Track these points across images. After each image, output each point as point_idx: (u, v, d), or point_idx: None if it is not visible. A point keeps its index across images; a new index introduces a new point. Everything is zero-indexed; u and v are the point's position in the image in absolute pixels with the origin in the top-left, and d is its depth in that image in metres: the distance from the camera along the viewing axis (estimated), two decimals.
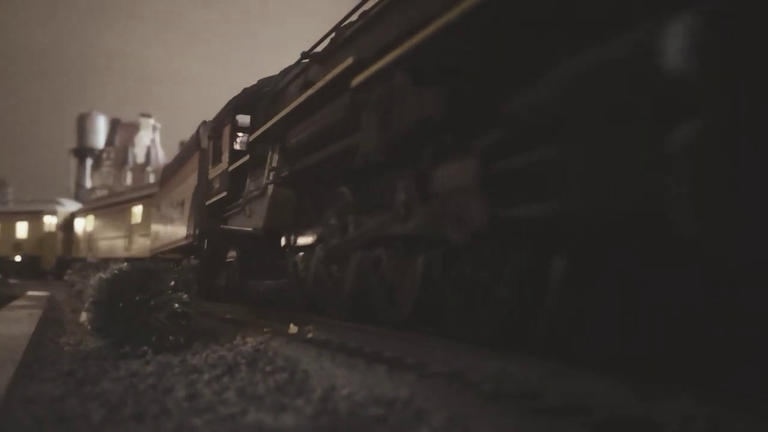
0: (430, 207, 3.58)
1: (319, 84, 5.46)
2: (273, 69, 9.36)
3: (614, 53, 2.17)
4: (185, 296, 4.34)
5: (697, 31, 1.95)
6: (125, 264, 4.71)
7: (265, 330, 4.90)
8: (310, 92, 5.70)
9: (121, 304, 4.15)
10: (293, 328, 4.95)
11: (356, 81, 4.53)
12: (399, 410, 2.28)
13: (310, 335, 4.41)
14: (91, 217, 29.54)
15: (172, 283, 4.35)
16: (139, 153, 47.08)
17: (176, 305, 4.26)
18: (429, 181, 3.56)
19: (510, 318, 3.38)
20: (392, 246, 4.51)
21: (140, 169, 39.28)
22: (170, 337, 4.15)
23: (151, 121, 52.02)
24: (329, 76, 5.22)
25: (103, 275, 4.46)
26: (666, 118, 1.97)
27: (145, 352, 3.90)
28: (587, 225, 2.48)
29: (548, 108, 2.52)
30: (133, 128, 48.67)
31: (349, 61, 4.81)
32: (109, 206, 27.44)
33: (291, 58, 8.98)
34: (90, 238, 29.22)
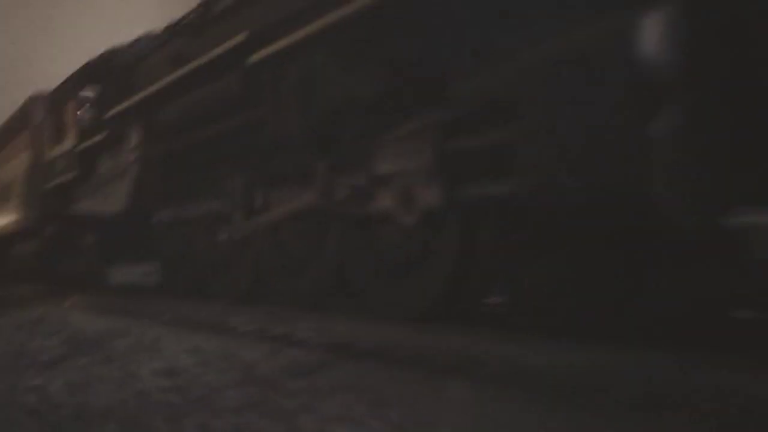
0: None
1: (202, 60, 5.23)
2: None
3: (593, 40, 2.32)
4: None
5: (672, 23, 2.14)
6: None
7: (50, 301, 6.95)
8: (188, 67, 5.44)
9: None
10: (73, 300, 6.95)
11: (255, 58, 4.40)
12: (119, 332, 3.79)
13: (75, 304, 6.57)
14: None
15: None
16: None
17: None
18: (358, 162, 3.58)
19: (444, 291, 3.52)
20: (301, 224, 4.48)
21: None
22: None
23: None
24: (215, 52, 5.02)
25: None
26: (647, 106, 2.15)
27: None
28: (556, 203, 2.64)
29: (516, 86, 2.63)
30: None
31: (242, 36, 4.65)
32: None
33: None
34: None
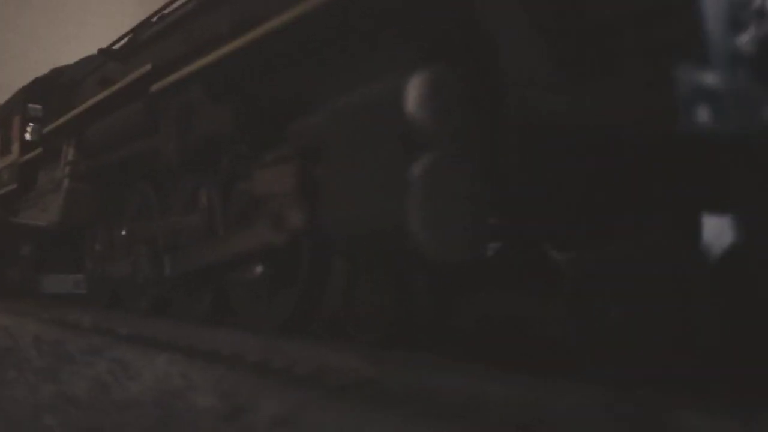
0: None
1: (118, 85, 5.60)
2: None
3: (375, 95, 2.71)
4: None
5: (430, 85, 2.54)
6: None
7: None
8: (107, 92, 5.81)
9: None
10: None
11: (154, 87, 4.78)
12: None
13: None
14: None
15: None
16: None
17: None
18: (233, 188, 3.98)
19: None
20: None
21: None
22: None
23: None
24: (127, 79, 5.39)
25: None
26: (409, 152, 2.54)
27: None
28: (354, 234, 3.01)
29: (324, 132, 3.02)
30: None
31: (147, 67, 5.03)
32: None
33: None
34: None
